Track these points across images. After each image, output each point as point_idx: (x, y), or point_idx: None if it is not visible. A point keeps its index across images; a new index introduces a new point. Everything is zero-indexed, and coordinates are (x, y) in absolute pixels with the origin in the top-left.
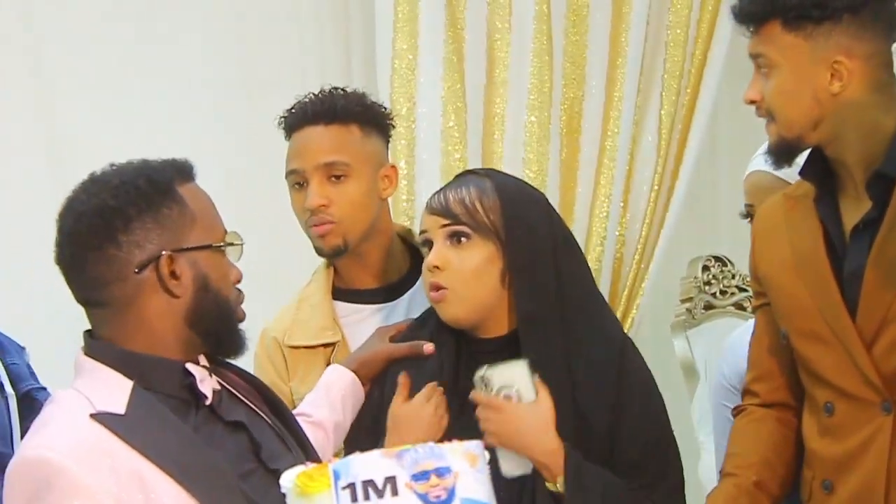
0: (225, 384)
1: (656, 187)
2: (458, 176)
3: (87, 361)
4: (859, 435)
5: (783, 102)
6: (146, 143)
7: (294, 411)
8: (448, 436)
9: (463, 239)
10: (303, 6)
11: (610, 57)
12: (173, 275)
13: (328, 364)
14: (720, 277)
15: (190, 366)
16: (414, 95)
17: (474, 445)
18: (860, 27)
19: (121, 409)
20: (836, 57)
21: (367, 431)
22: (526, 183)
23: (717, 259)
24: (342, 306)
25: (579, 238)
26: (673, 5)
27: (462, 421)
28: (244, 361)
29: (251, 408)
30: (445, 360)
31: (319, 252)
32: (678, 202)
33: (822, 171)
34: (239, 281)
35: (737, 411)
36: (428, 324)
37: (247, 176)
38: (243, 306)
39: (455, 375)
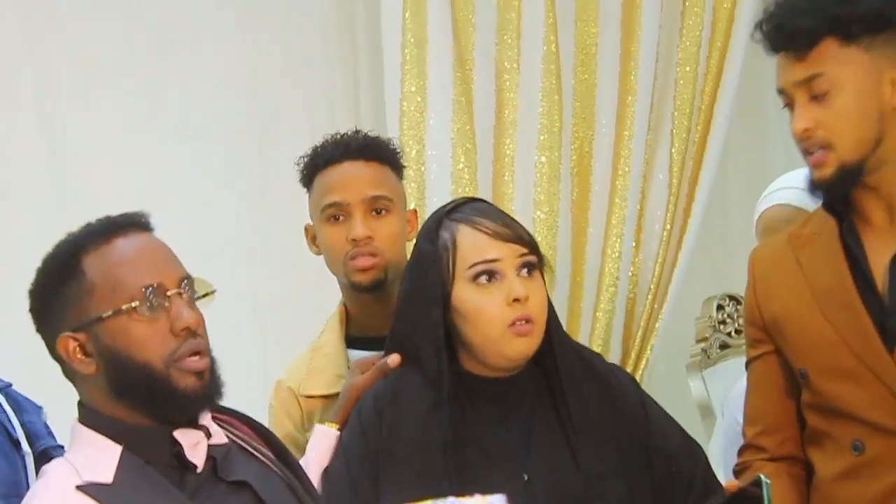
0: (232, 437)
1: (668, 226)
2: (471, 199)
3: (79, 428)
4: (892, 475)
5: (848, 124)
6: (157, 190)
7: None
8: (463, 483)
9: (532, 269)
10: (311, 50)
11: (619, 95)
12: (86, 353)
13: None
14: (735, 316)
15: (178, 433)
16: (423, 138)
17: (496, 500)
18: None
19: (108, 477)
20: None
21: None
22: None
23: (732, 298)
24: (356, 354)
25: (592, 278)
26: (682, 42)
27: (475, 466)
28: (258, 408)
29: (261, 459)
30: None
31: (357, 286)
32: (691, 241)
33: (846, 204)
34: (185, 328)
35: (739, 468)
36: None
37: (257, 221)
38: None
39: (461, 416)
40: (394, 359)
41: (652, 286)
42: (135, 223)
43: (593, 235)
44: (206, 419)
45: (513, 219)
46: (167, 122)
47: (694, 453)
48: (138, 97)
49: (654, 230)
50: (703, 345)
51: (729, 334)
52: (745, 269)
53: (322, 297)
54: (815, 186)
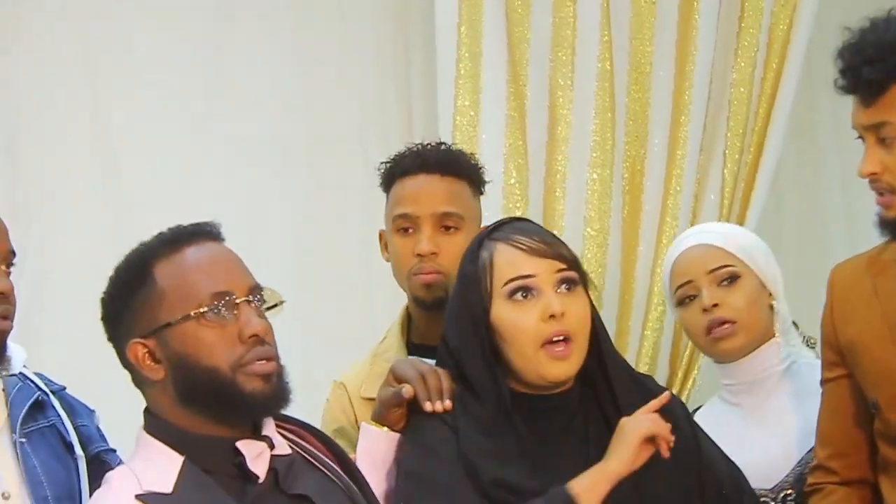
0: (297, 447)
1: None
2: (514, 219)
3: (143, 436)
4: None
5: None
6: (210, 206)
7: None
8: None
9: (572, 285)
10: (365, 63)
11: (673, 115)
12: (155, 359)
13: None
14: None
15: (241, 444)
16: (476, 152)
17: None
18: None
19: (168, 487)
20: None
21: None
22: None
23: None
24: None
25: (641, 297)
26: (737, 63)
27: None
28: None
29: (324, 472)
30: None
31: (418, 301)
32: None
33: None
34: (253, 335)
35: (811, 489)
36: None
37: (309, 235)
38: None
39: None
40: (446, 404)
41: None
42: (205, 232)
43: (643, 254)
44: (269, 429)
45: (554, 236)
46: (221, 140)
47: (739, 483)
48: (193, 114)
49: None
50: None
51: None
52: (796, 290)
53: (369, 317)
54: (883, 224)
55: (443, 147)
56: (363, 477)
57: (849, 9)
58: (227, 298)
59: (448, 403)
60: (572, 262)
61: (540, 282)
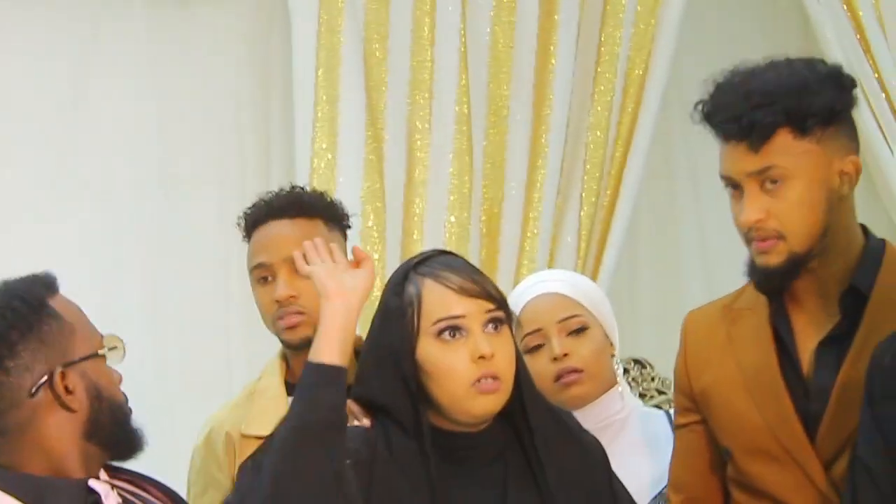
0: (133, 497)
1: None
2: (440, 252)
3: None
4: None
5: (800, 215)
6: (62, 249)
7: None
8: None
9: (499, 325)
10: (222, 105)
11: (530, 157)
12: (67, 390)
13: None
14: (640, 380)
15: (93, 483)
16: (333, 195)
17: None
18: (852, 128)
19: None
20: (848, 157)
21: None
22: None
23: (637, 361)
24: None
25: None
26: (593, 107)
27: None
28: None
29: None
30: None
31: (288, 344)
32: None
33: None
34: (121, 382)
35: None
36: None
37: (166, 276)
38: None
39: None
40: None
41: None
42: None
43: None
44: (104, 475)
45: (481, 273)
46: (75, 183)
47: None
48: (46, 155)
49: None
50: None
51: (643, 396)
52: (651, 333)
53: (225, 360)
54: (760, 273)
55: (295, 190)
56: None
57: (701, 55)
58: (116, 342)
59: (367, 421)
60: (500, 302)
61: (469, 322)
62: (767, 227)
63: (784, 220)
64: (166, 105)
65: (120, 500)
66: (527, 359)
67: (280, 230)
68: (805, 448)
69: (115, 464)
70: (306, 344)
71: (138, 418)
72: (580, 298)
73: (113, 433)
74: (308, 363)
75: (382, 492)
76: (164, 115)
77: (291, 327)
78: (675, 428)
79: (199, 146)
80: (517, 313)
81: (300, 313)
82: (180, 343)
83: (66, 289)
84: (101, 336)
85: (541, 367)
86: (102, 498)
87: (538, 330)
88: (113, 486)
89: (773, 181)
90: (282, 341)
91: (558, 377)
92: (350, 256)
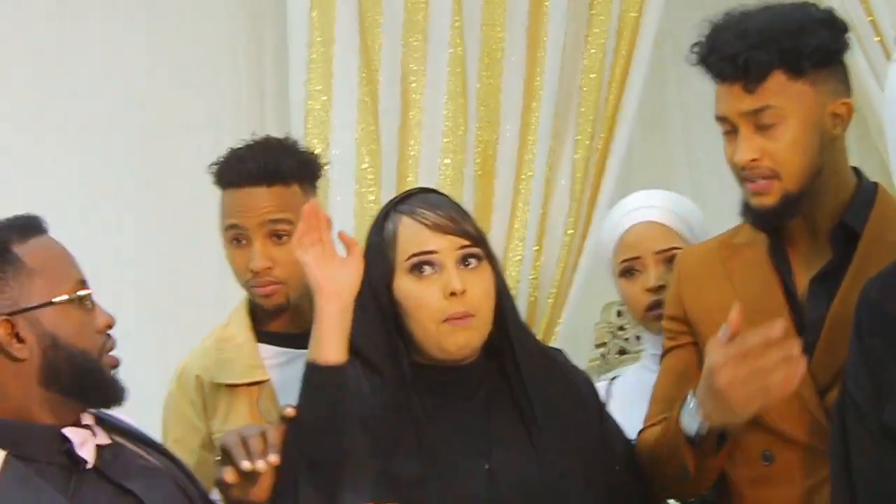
0: (118, 439)
1: (570, 231)
2: (422, 190)
3: None
4: (804, 483)
5: (794, 156)
6: (55, 198)
7: None
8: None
9: (474, 261)
10: (216, 46)
11: (524, 100)
12: (18, 338)
13: (251, 404)
14: (634, 323)
15: (68, 430)
16: (328, 137)
17: None
18: (844, 71)
19: None
20: (840, 99)
21: None
22: None
23: None
24: (265, 348)
25: None
26: (587, 50)
27: (438, 454)
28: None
29: (151, 462)
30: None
31: (260, 308)
32: (592, 246)
33: (773, 226)
34: (109, 326)
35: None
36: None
37: (161, 221)
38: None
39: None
40: (289, 412)
41: (553, 290)
42: (42, 225)
43: (496, 239)
44: (88, 420)
45: (461, 210)
46: (70, 128)
47: (631, 464)
48: (41, 100)
49: (555, 235)
50: (601, 350)
51: (627, 340)
52: None
53: (218, 305)
54: (755, 213)
55: (270, 149)
56: (190, 472)
57: None
58: (87, 289)
59: (273, 458)
60: (476, 239)
61: (442, 258)
62: (761, 166)
63: (778, 160)
64: (159, 48)
65: (108, 440)
66: (621, 282)
67: (255, 196)
68: (804, 376)
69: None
70: (281, 310)
71: (120, 367)
72: (682, 230)
73: (76, 382)
74: (310, 364)
75: (363, 434)
76: (157, 59)
77: (266, 295)
78: (664, 353)
79: (192, 89)
80: (619, 234)
81: (276, 283)
82: (174, 289)
83: (57, 234)
84: (80, 281)
85: (635, 293)
86: (76, 447)
87: (637, 257)
88: (94, 431)
89: (768, 122)
90: (255, 302)
91: (650, 308)
92: (335, 234)
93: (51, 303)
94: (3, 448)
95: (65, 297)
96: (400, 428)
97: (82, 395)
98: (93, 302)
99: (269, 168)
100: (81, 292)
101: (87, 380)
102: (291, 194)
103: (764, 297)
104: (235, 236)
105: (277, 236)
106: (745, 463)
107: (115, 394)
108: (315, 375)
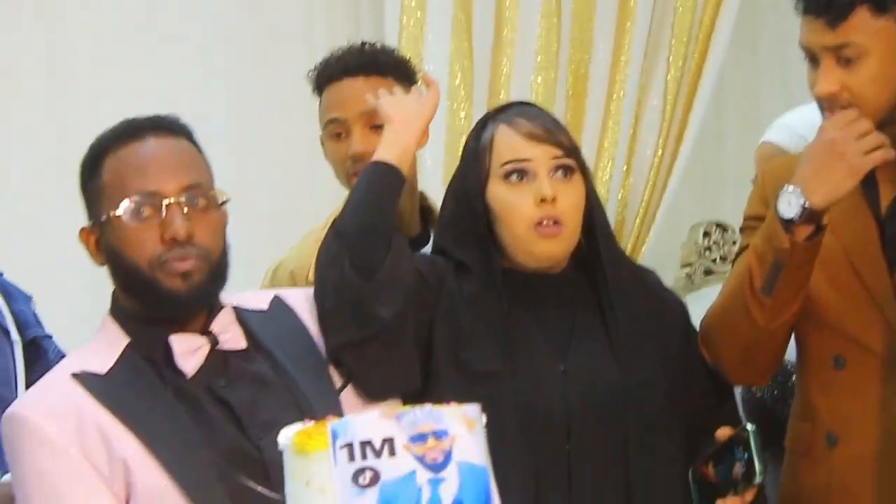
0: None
1: (660, 152)
2: (521, 103)
3: (105, 318)
4: (876, 393)
5: (872, 91)
6: (156, 97)
7: None
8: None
9: (567, 172)
10: None
11: (618, 20)
12: (98, 248)
13: None
14: (721, 244)
15: (175, 337)
16: (421, 52)
17: (472, 409)
18: None
19: (104, 369)
20: None
21: None
22: None
23: (719, 225)
24: None
25: None
26: None
27: (517, 351)
28: None
29: (268, 375)
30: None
31: None
32: (681, 167)
33: None
34: (174, 238)
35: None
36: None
37: (255, 130)
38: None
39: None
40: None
41: (640, 210)
42: (158, 126)
43: (585, 157)
44: (220, 323)
45: (556, 123)
46: (166, 36)
47: (723, 400)
48: (137, 13)
49: (645, 155)
50: (687, 270)
51: (714, 261)
52: (734, 197)
53: (314, 216)
54: None
55: (365, 47)
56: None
57: None
58: (154, 199)
59: None
60: (570, 150)
61: (535, 166)
62: (841, 99)
63: (857, 94)
64: None
65: (242, 344)
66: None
67: (354, 87)
68: (885, 283)
69: None
70: None
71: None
72: None
73: (139, 293)
74: (370, 162)
75: (445, 324)
76: None
77: None
78: (739, 251)
79: (287, 3)
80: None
81: None
82: (268, 198)
83: None
84: (146, 192)
85: None
86: (177, 355)
87: None
88: (211, 340)
89: (849, 57)
90: None
91: None
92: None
93: (109, 218)
94: (129, 336)
95: (111, 213)
96: (483, 326)
97: (148, 307)
98: (157, 211)
99: (366, 58)
100: (129, 207)
101: (144, 293)
102: (387, 86)
103: (849, 212)
104: (336, 131)
105: (376, 127)
106: (816, 368)
107: (178, 305)
108: (376, 167)
